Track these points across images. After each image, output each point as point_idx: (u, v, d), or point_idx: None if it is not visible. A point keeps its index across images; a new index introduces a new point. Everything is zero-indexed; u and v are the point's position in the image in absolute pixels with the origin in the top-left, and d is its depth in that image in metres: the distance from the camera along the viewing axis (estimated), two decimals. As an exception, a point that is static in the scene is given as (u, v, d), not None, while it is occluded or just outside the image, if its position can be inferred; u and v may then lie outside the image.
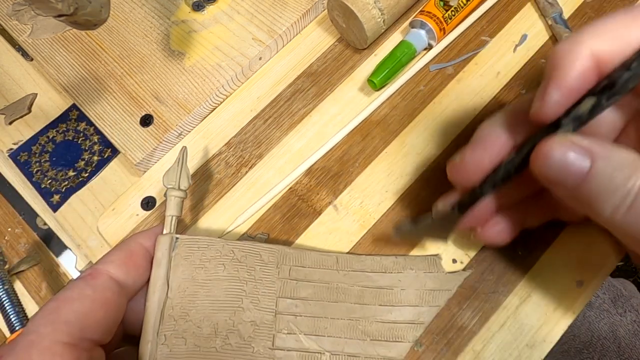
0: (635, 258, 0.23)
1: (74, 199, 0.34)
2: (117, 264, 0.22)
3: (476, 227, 0.25)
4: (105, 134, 0.33)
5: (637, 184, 0.16)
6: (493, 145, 0.21)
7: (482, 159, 0.22)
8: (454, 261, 0.27)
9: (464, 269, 0.27)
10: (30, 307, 0.31)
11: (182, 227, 0.30)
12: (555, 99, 0.18)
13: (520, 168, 0.20)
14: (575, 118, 0.18)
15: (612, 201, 0.17)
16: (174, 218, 0.25)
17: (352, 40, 0.34)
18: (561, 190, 0.19)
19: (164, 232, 0.25)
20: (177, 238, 0.25)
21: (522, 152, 0.20)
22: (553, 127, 0.19)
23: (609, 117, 0.20)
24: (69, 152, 0.35)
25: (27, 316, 0.27)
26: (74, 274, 0.32)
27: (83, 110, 0.34)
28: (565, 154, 0.18)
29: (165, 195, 0.25)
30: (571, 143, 0.18)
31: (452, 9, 0.32)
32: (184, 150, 0.27)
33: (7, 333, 0.28)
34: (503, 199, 0.24)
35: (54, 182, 0.34)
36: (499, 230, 0.24)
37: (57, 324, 0.19)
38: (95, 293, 0.21)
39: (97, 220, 0.31)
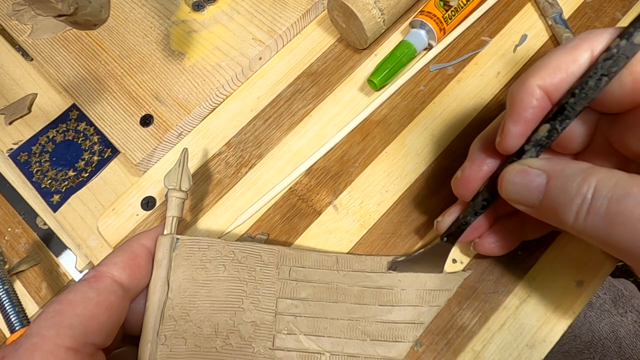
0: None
1: (74, 199, 0.34)
2: (120, 266, 0.22)
3: (473, 240, 0.26)
4: (105, 134, 0.33)
5: (590, 189, 0.18)
6: (480, 165, 0.23)
7: (476, 176, 0.23)
8: (454, 261, 0.27)
9: (464, 269, 0.27)
10: (30, 307, 0.31)
11: (182, 227, 0.30)
12: (513, 131, 0.21)
13: (493, 196, 0.23)
14: (535, 144, 0.21)
15: (572, 209, 0.18)
16: (175, 219, 0.25)
17: (352, 40, 0.34)
18: (528, 209, 0.21)
19: (165, 232, 0.25)
20: (177, 239, 0.25)
21: (492, 183, 0.22)
22: (518, 154, 0.21)
23: (576, 132, 0.22)
24: (69, 152, 0.35)
25: (27, 316, 0.27)
26: (74, 274, 0.32)
27: (83, 110, 0.34)
28: (523, 177, 0.20)
29: (166, 196, 0.25)
30: (526, 167, 0.20)
31: (452, 9, 0.32)
32: (185, 151, 0.27)
33: (7, 333, 0.28)
34: (493, 214, 0.25)
35: (54, 182, 0.34)
36: (493, 242, 0.25)
37: (61, 327, 0.19)
38: (99, 296, 0.21)
39: (97, 220, 0.31)
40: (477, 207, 0.23)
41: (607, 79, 0.19)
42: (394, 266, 0.26)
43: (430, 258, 0.26)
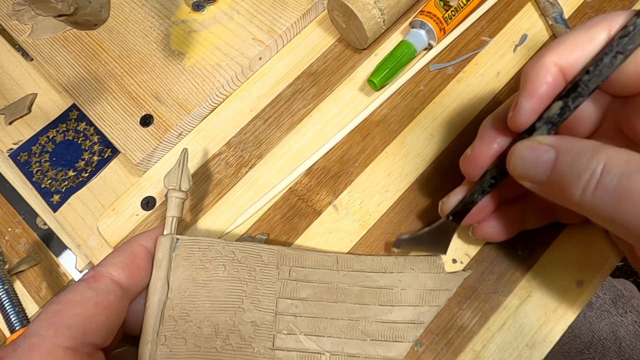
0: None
1: (74, 199, 0.34)
2: (119, 267, 0.22)
3: (473, 224, 0.26)
4: (105, 134, 0.33)
5: (600, 165, 0.18)
6: (490, 143, 0.23)
7: (485, 154, 0.23)
8: (454, 261, 0.27)
9: (464, 269, 0.27)
10: (30, 307, 0.31)
11: (182, 227, 0.30)
12: (526, 108, 0.21)
13: (502, 174, 0.22)
14: (547, 121, 0.21)
15: (579, 184, 0.18)
16: (175, 219, 0.25)
17: (352, 40, 0.34)
18: (535, 186, 0.20)
19: (165, 233, 0.25)
20: (177, 239, 0.25)
21: (501, 161, 0.22)
22: (529, 131, 0.21)
23: (586, 115, 0.22)
24: (69, 152, 0.35)
25: (27, 316, 0.27)
26: (74, 274, 0.32)
27: (83, 110, 0.34)
28: (532, 152, 0.20)
29: (166, 196, 0.25)
30: (536, 142, 0.20)
31: (452, 9, 0.32)
32: (184, 152, 0.27)
33: (7, 333, 0.28)
34: (498, 196, 0.25)
35: (54, 182, 0.34)
36: (494, 227, 0.25)
37: (59, 327, 0.19)
38: (97, 296, 0.21)
39: (97, 220, 0.31)
40: (485, 184, 0.23)
41: (622, 57, 0.19)
42: (397, 243, 0.26)
43: (435, 237, 0.26)
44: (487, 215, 0.25)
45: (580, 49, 0.20)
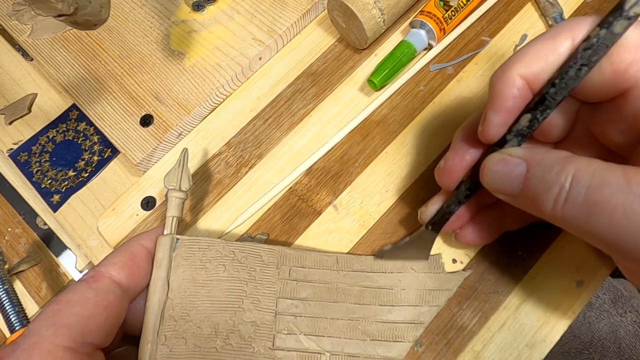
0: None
1: (74, 199, 0.34)
2: (119, 267, 0.22)
3: (455, 230, 0.26)
4: (105, 134, 0.33)
5: (569, 178, 0.18)
6: (463, 154, 0.23)
7: (459, 166, 0.24)
8: (454, 261, 0.27)
9: (464, 269, 0.27)
10: (30, 307, 0.31)
11: (182, 227, 0.30)
12: (494, 122, 0.21)
13: (476, 185, 0.22)
14: (517, 133, 0.21)
15: (550, 197, 0.18)
16: (175, 219, 0.25)
17: (352, 40, 0.34)
18: (509, 198, 0.21)
19: (165, 232, 0.25)
20: (177, 239, 0.25)
21: (475, 172, 0.22)
22: (500, 144, 0.21)
23: (557, 122, 0.22)
24: (69, 152, 0.35)
25: (27, 316, 0.27)
26: (74, 274, 0.32)
27: (83, 110, 0.34)
28: (503, 166, 0.20)
29: (166, 196, 0.25)
30: (507, 155, 0.20)
31: (452, 9, 0.32)
32: (184, 151, 0.27)
33: (7, 333, 0.28)
34: (476, 203, 0.25)
35: (54, 182, 0.34)
36: (474, 233, 0.25)
37: (59, 327, 0.19)
38: (97, 296, 0.21)
39: (97, 220, 0.31)
40: (461, 196, 0.23)
41: (587, 69, 0.19)
42: (380, 254, 0.26)
43: (416, 246, 0.26)
44: (465, 222, 0.25)
45: (544, 60, 0.20)
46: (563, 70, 0.19)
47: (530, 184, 0.19)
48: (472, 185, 0.23)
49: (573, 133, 0.23)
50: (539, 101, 0.20)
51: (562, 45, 0.19)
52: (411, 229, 0.29)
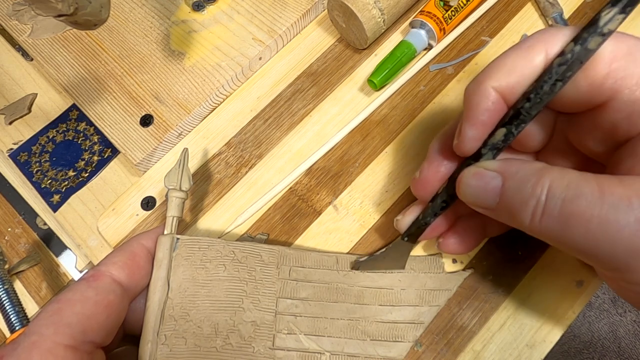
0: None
1: (74, 199, 0.34)
2: (119, 266, 0.22)
3: (433, 238, 0.26)
4: (105, 134, 0.33)
5: (544, 191, 0.18)
6: (438, 166, 0.23)
7: (434, 177, 0.23)
8: (454, 261, 0.27)
9: (464, 269, 0.27)
10: (30, 307, 0.31)
11: (182, 227, 0.30)
12: (469, 135, 0.21)
13: (452, 198, 0.22)
14: (492, 147, 0.21)
15: (527, 211, 0.18)
16: (175, 219, 0.25)
17: (352, 40, 0.34)
18: (486, 211, 0.21)
19: (165, 232, 0.25)
20: (177, 238, 0.25)
21: (451, 184, 0.22)
22: (475, 157, 0.21)
23: (533, 133, 0.22)
24: (69, 152, 0.35)
25: (27, 316, 0.27)
26: (74, 274, 0.32)
27: (83, 110, 0.34)
28: (479, 179, 0.20)
29: (166, 196, 0.25)
30: (482, 169, 0.20)
31: (452, 9, 0.32)
32: (185, 151, 0.27)
33: (7, 333, 0.28)
34: (453, 213, 0.25)
35: (54, 182, 0.34)
36: (455, 243, 0.25)
37: (59, 326, 0.19)
38: (97, 295, 0.21)
39: (97, 220, 0.31)
40: (437, 208, 0.23)
41: (561, 84, 0.19)
42: (356, 266, 0.26)
43: (392, 257, 0.26)
44: (443, 231, 0.25)
45: (518, 74, 0.19)
46: (538, 84, 0.19)
47: (507, 198, 0.19)
48: (448, 197, 0.23)
49: (552, 142, 0.23)
50: (514, 115, 0.20)
51: (536, 59, 0.19)
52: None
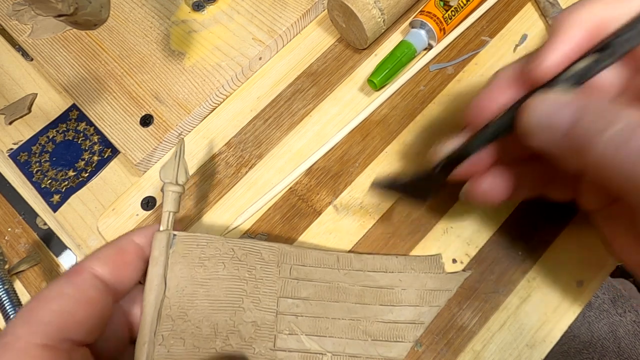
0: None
1: (74, 199, 0.34)
2: (103, 261, 0.21)
3: (467, 180, 0.24)
4: (105, 134, 0.33)
5: (629, 119, 0.16)
6: (500, 93, 0.21)
7: (492, 104, 0.21)
8: (454, 261, 0.27)
9: (464, 269, 0.27)
10: (30, 307, 0.31)
11: (181, 227, 0.30)
12: (551, 58, 0.19)
13: (506, 129, 0.20)
14: (570, 77, 0.19)
15: (603, 140, 0.17)
16: (171, 214, 0.24)
17: (352, 40, 0.34)
18: (548, 143, 0.19)
19: (161, 228, 0.24)
20: (174, 235, 0.24)
21: (508, 114, 0.20)
22: (548, 86, 0.19)
23: (606, 83, 0.21)
24: (69, 152, 0.35)
25: (27, 316, 0.27)
26: (73, 274, 0.32)
27: (83, 110, 0.34)
28: (551, 104, 0.18)
29: (162, 190, 0.24)
30: (557, 95, 0.19)
31: (452, 9, 0.32)
32: (181, 142, 0.25)
33: (6, 333, 0.28)
34: (495, 154, 0.23)
35: (54, 182, 0.34)
36: (491, 184, 0.23)
37: (33, 324, 0.18)
38: (76, 291, 0.20)
39: (97, 220, 0.31)
40: (486, 137, 0.21)
41: None
42: (376, 183, 0.25)
43: (416, 186, 0.24)
44: (477, 172, 0.23)
45: (616, 7, 0.18)
46: (633, 21, 0.18)
47: (583, 124, 0.18)
48: (503, 127, 0.20)
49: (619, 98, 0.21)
50: (602, 48, 0.18)
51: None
52: (411, 229, 0.28)
